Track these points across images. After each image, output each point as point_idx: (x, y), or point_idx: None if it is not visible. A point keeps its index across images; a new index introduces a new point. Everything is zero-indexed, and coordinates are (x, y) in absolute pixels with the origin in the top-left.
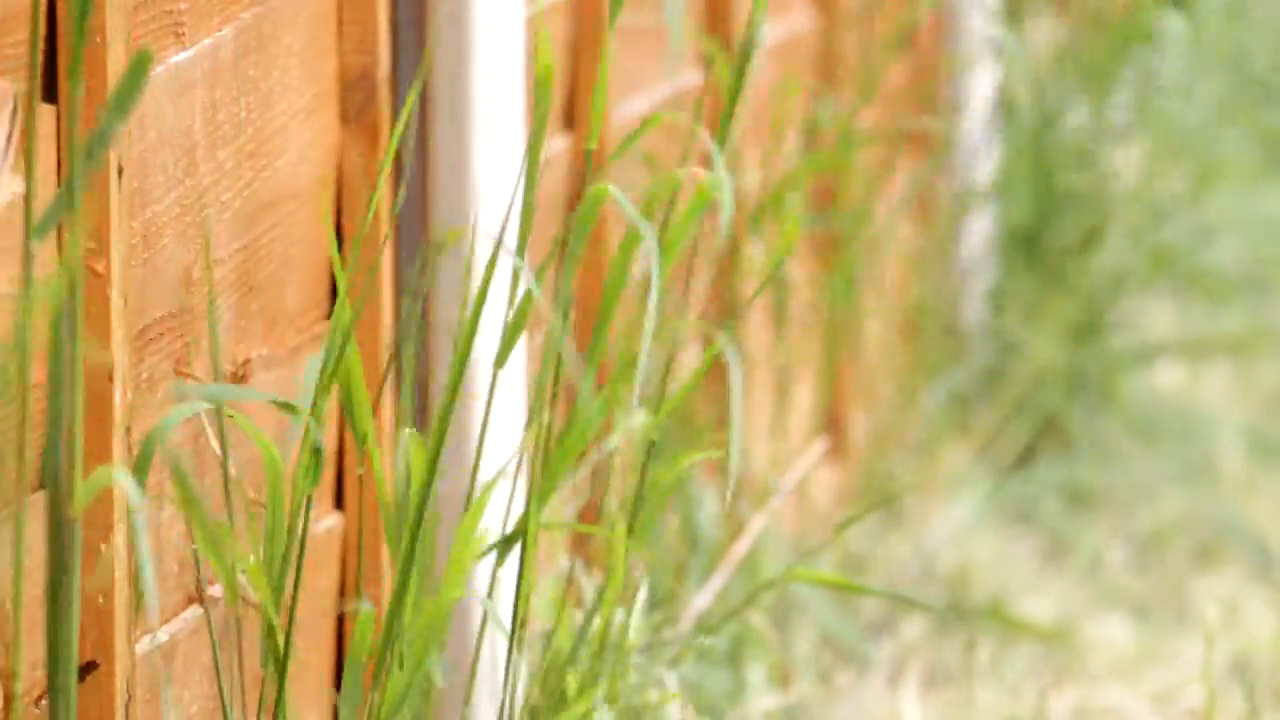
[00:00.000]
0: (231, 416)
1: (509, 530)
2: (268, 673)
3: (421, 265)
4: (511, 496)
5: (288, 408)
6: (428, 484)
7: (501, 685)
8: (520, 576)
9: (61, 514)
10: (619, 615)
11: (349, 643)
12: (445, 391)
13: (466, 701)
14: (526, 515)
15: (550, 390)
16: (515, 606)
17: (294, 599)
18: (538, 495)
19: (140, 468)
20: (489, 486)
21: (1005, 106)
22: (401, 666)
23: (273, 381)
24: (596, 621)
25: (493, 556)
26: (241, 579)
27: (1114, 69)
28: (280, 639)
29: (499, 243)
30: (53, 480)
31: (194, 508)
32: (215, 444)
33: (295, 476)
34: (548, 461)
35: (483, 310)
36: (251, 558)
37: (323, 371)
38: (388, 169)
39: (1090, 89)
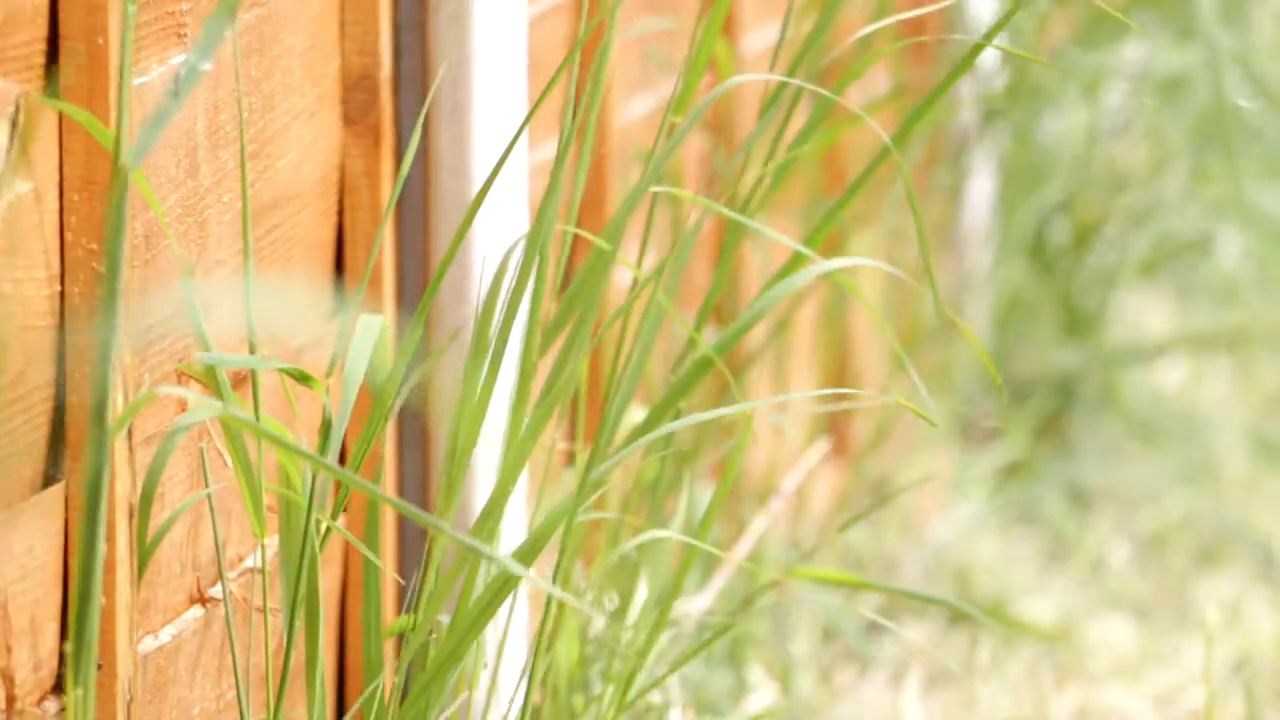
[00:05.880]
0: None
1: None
2: (295, 660)
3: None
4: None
5: (303, 377)
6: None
7: (512, 692)
8: (558, 570)
9: (100, 436)
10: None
11: (350, 643)
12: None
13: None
14: (571, 507)
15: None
16: (546, 608)
17: (308, 592)
18: (583, 491)
19: (156, 467)
20: (501, 492)
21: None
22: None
23: (275, 381)
24: (601, 623)
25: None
26: (245, 580)
27: (1110, 56)
28: (299, 626)
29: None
30: (98, 397)
31: (243, 458)
32: (220, 443)
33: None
34: (592, 461)
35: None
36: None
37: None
38: (389, 171)
39: (1087, 78)
